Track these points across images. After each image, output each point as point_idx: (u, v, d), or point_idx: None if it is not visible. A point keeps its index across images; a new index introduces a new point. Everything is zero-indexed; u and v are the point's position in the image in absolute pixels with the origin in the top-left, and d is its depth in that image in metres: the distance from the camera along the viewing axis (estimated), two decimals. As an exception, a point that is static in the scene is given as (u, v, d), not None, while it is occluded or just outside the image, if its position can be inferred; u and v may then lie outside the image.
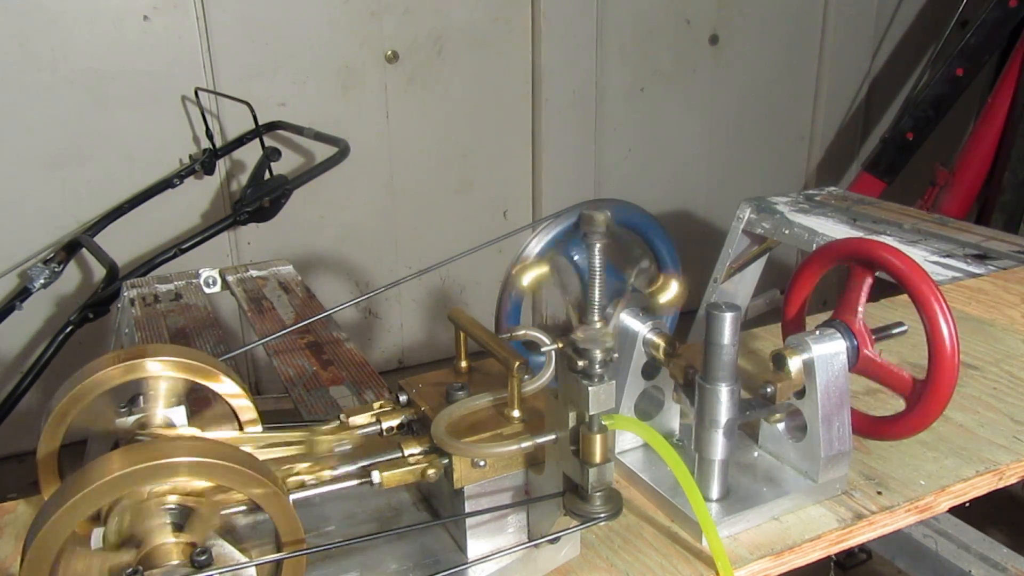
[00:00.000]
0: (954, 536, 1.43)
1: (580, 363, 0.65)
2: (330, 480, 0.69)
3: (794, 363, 0.81)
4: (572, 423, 0.67)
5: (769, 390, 0.81)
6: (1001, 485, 0.91)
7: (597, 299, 0.66)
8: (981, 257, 1.70)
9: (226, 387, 0.74)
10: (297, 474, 0.68)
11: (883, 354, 0.87)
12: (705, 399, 0.77)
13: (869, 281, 0.87)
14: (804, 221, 2.03)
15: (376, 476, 0.68)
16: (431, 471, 0.70)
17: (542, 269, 0.75)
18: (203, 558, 0.57)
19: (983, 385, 1.08)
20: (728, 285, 2.31)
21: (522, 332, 0.77)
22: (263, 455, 0.71)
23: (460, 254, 0.99)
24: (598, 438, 0.65)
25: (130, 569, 0.56)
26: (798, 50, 3.63)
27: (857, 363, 0.86)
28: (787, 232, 2.03)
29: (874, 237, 1.18)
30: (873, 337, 0.87)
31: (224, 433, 0.74)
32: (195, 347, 1.11)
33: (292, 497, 0.63)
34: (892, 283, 0.85)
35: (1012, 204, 3.07)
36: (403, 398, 0.79)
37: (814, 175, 3.86)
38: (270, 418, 0.77)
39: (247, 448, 0.68)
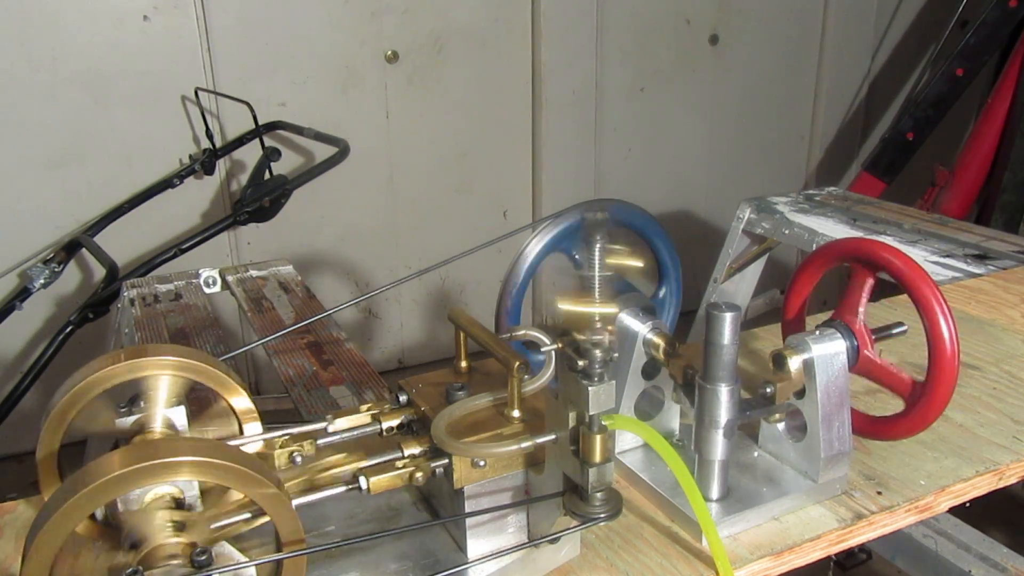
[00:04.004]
0: (954, 536, 1.43)
1: (580, 363, 0.65)
2: (319, 486, 0.69)
3: (794, 363, 0.81)
4: (572, 423, 0.67)
5: (769, 390, 0.82)
6: (1001, 485, 0.91)
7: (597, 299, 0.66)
8: (981, 257, 1.70)
9: (226, 387, 0.74)
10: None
11: (883, 355, 0.87)
12: (705, 399, 0.77)
13: (871, 282, 0.87)
14: (804, 221, 2.03)
15: (363, 482, 0.68)
16: (419, 475, 0.70)
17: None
18: (203, 558, 0.57)
19: (983, 385, 1.08)
20: (728, 285, 2.31)
21: (522, 332, 0.77)
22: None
23: (460, 254, 0.99)
24: (598, 438, 0.65)
25: (130, 569, 0.56)
26: (798, 50, 3.63)
27: (857, 364, 0.86)
28: (787, 232, 2.03)
29: (874, 237, 1.18)
30: (873, 338, 0.87)
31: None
32: (195, 347, 1.11)
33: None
34: (892, 283, 0.85)
35: (1012, 204, 3.07)
36: (403, 398, 0.79)
37: (814, 175, 3.85)
38: (270, 418, 0.77)
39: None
